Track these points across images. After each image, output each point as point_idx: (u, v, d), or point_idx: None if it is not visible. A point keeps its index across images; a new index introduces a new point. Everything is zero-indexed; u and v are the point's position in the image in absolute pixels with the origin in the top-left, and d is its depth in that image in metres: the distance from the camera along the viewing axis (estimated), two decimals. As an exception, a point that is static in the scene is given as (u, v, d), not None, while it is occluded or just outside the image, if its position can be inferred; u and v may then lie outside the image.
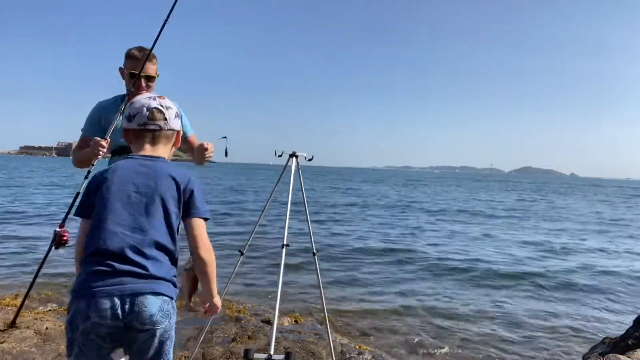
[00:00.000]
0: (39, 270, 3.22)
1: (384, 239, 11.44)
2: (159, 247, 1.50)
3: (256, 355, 2.55)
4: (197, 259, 1.61)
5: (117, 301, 1.38)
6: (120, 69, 2.76)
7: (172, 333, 1.53)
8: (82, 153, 2.63)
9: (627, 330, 3.83)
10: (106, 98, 2.78)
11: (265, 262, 7.67)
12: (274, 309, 2.76)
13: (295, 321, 4.79)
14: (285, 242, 2.91)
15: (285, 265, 2.91)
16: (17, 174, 39.90)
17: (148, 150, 1.64)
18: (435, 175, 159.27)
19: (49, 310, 4.27)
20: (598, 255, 10.53)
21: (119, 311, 1.38)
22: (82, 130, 2.76)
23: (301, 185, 3.06)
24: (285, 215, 2.95)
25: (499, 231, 14.23)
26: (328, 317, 3.35)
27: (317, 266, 3.19)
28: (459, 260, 9.10)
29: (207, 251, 1.60)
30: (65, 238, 2.69)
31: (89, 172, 2.70)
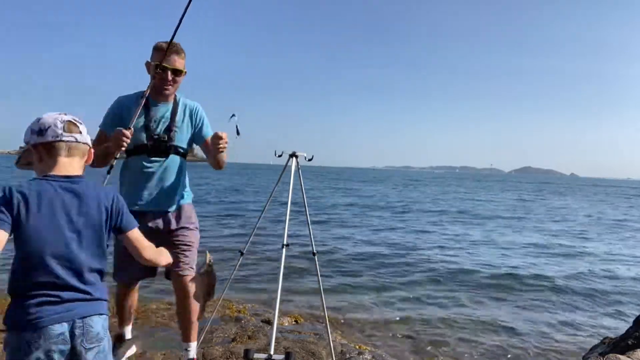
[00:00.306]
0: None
1: (384, 241, 11.44)
2: (94, 270, 1.58)
3: (256, 355, 2.55)
4: (145, 261, 1.78)
5: (66, 326, 1.46)
6: (147, 63, 2.61)
7: (111, 343, 1.65)
8: (101, 148, 2.44)
9: (627, 330, 3.83)
10: (127, 93, 2.66)
11: (266, 263, 7.67)
12: (274, 309, 2.76)
13: (295, 321, 4.79)
14: (285, 242, 2.91)
15: (285, 265, 2.91)
16: (17, 173, 39.87)
17: (63, 165, 1.57)
18: (436, 175, 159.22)
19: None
20: (598, 256, 10.52)
21: (69, 335, 1.46)
22: (100, 126, 2.62)
23: (301, 185, 3.06)
24: (286, 215, 2.95)
25: (501, 233, 14.24)
26: (328, 317, 3.35)
27: (317, 266, 3.19)
28: (461, 262, 9.11)
29: (149, 249, 1.78)
30: None
31: (111, 167, 2.52)
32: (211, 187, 32.23)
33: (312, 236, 3.14)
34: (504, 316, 5.67)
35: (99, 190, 1.64)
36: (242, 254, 3.19)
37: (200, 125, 2.73)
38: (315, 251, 3.18)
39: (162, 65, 2.51)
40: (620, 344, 3.66)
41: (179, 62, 2.58)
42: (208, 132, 2.75)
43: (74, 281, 1.51)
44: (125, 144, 2.37)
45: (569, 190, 56.08)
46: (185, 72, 2.64)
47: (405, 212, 19.79)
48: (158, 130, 2.59)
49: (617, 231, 15.68)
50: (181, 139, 2.66)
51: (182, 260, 2.62)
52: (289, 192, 3.00)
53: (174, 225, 2.66)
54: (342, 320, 5.15)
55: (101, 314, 1.56)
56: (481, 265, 8.72)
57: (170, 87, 2.59)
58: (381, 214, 18.53)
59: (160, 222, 2.65)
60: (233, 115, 2.64)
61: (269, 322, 4.40)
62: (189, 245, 2.68)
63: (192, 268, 2.69)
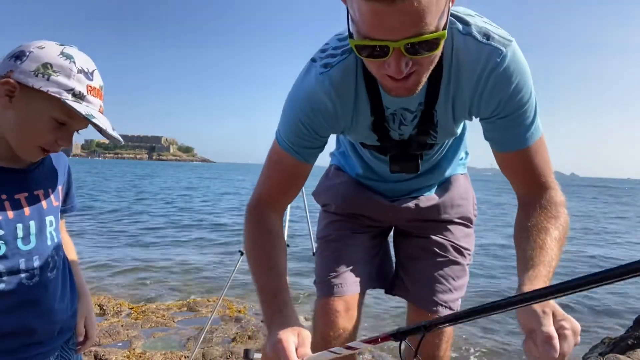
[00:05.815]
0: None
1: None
2: None
3: (256, 355, 2.55)
4: None
5: None
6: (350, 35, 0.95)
7: None
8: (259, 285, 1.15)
9: (627, 330, 3.83)
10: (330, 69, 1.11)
11: (266, 262, 7.67)
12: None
13: (296, 321, 4.80)
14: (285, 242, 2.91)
15: (285, 265, 2.92)
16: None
17: None
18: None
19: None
20: (597, 256, 10.52)
21: None
22: (278, 138, 1.21)
23: (301, 185, 3.06)
24: (285, 215, 2.95)
25: (493, 230, 14.22)
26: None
27: (317, 266, 3.19)
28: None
29: None
30: None
31: None
32: (211, 187, 32.22)
33: (312, 236, 3.15)
34: (503, 316, 5.67)
35: None
36: (242, 253, 3.19)
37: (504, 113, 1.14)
38: (315, 251, 3.18)
39: (373, 44, 0.88)
40: (620, 344, 3.66)
41: (412, 21, 0.84)
42: (521, 139, 1.17)
43: None
44: None
45: (569, 190, 55.96)
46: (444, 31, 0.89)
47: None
48: (401, 134, 1.27)
49: (625, 232, 15.62)
50: (447, 133, 1.29)
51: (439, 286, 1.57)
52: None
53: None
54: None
55: None
56: (482, 270, 8.72)
57: (408, 83, 0.99)
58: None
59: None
60: None
61: (269, 322, 4.40)
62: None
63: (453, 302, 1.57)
